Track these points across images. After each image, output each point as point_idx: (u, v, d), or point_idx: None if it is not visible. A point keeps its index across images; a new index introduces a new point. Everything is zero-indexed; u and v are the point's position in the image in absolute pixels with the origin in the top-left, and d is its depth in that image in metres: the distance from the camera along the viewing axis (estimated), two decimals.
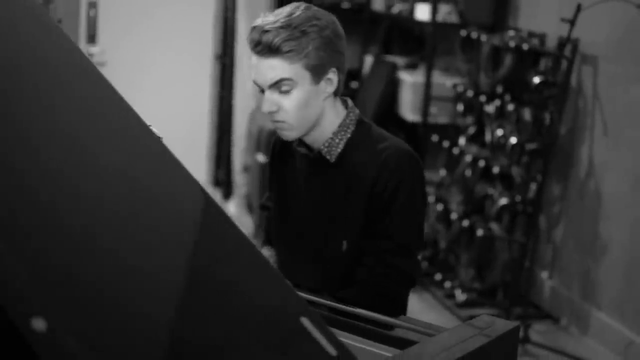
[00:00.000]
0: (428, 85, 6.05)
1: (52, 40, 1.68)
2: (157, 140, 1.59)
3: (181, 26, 6.89)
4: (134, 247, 1.32)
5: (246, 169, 6.81)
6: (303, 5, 2.42)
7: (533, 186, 5.28)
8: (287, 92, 2.38)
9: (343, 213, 2.48)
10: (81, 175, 1.38)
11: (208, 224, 1.45)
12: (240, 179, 7.01)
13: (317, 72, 2.40)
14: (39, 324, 0.97)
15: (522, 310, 5.28)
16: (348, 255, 2.47)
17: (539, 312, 5.50)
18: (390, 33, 7.08)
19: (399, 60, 6.60)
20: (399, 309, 2.45)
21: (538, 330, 5.20)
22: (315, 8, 2.45)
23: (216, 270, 1.38)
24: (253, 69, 2.41)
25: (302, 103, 2.40)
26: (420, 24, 6.36)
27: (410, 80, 6.30)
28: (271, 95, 2.39)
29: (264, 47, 2.35)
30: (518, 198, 5.35)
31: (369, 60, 6.87)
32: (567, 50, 5.04)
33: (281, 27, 2.34)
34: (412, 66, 6.54)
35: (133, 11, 6.62)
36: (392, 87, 6.46)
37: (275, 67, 2.36)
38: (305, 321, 1.29)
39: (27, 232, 1.13)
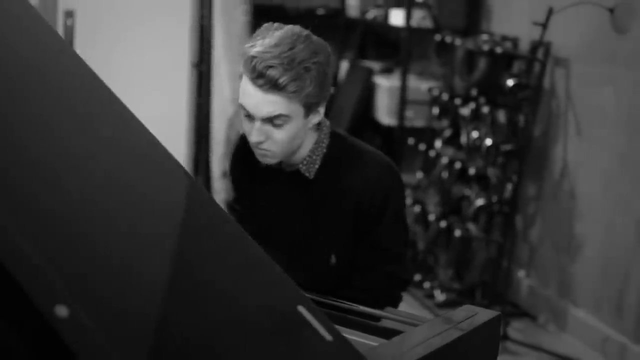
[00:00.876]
0: (404, 89, 6.13)
1: (43, 39, 1.76)
2: (150, 135, 1.66)
3: (157, 35, 6.93)
4: (132, 242, 1.40)
5: (225, 174, 6.87)
6: (303, 34, 2.38)
7: (509, 186, 5.35)
8: (279, 126, 2.38)
9: (328, 227, 2.55)
10: (79, 171, 1.45)
11: (204, 217, 1.54)
12: (219, 185, 7.07)
13: (310, 108, 2.40)
14: (61, 311, 1.05)
15: (501, 309, 5.32)
16: (336, 269, 2.56)
17: (517, 310, 5.58)
18: (366, 38, 7.16)
19: (375, 65, 6.68)
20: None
21: (516, 328, 5.27)
22: (314, 37, 2.41)
23: (212, 261, 1.46)
24: (246, 96, 2.38)
25: (291, 136, 2.41)
26: (395, 29, 6.44)
27: (386, 85, 6.38)
28: (262, 126, 2.38)
29: (267, 82, 2.31)
30: (494, 198, 5.42)
31: (344, 65, 6.95)
32: (540, 53, 5.12)
33: (287, 64, 2.30)
34: (387, 71, 6.62)
35: (110, 20, 6.66)
36: (368, 92, 6.54)
37: (275, 103, 2.34)
38: (302, 309, 1.37)
39: (46, 232, 1.21)
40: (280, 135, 2.39)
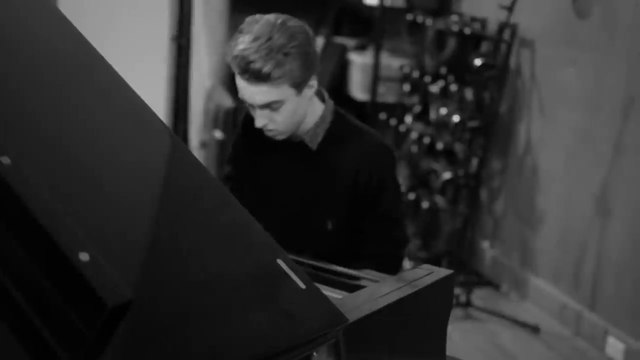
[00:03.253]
0: (376, 66, 6.31)
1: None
2: (134, 95, 1.89)
3: (138, 8, 7.05)
4: (130, 199, 1.63)
5: (203, 145, 7.05)
6: (278, 20, 2.56)
7: (475, 161, 5.56)
8: (276, 109, 2.60)
9: (326, 196, 2.77)
10: (80, 132, 1.69)
11: (192, 176, 1.77)
12: (197, 155, 7.25)
13: (300, 86, 2.60)
14: (84, 256, 1.28)
15: (465, 278, 5.55)
16: (333, 234, 2.79)
17: (481, 279, 5.80)
18: (341, 16, 7.31)
19: (349, 42, 6.82)
20: (400, 268, 2.88)
21: (480, 296, 5.49)
22: (290, 22, 2.58)
23: (198, 218, 1.69)
24: (241, 90, 2.59)
25: (290, 114, 2.63)
26: (369, 7, 6.59)
27: (359, 61, 6.56)
28: (262, 112, 2.61)
29: (252, 76, 2.52)
30: (461, 172, 5.63)
31: (320, 42, 7.10)
32: (507, 35, 5.32)
33: (266, 55, 2.49)
34: (361, 48, 6.77)
35: None
36: (342, 68, 6.70)
37: (264, 92, 2.55)
38: (280, 262, 1.61)
39: (66, 194, 1.45)
40: (279, 116, 2.63)
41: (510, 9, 5.03)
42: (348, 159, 2.74)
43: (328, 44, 6.94)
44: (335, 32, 7.18)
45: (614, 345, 4.73)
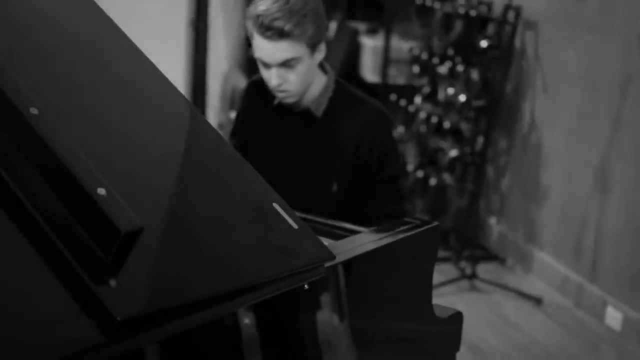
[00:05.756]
0: (387, 49, 6.51)
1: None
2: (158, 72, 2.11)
3: None
4: (149, 146, 1.85)
5: (220, 126, 7.26)
6: None
7: (480, 139, 5.74)
8: (292, 67, 2.82)
9: (331, 160, 2.98)
10: (108, 95, 1.91)
11: (207, 138, 1.99)
12: None
13: (313, 47, 2.83)
14: (102, 191, 1.50)
15: (472, 252, 5.75)
16: (338, 195, 3.00)
17: (487, 253, 5.98)
18: (353, 1, 7.48)
19: (361, 25, 6.98)
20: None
21: (486, 270, 5.67)
22: None
23: (210, 166, 1.91)
24: (258, 50, 2.81)
25: (304, 74, 2.85)
26: None
27: (371, 44, 6.73)
28: (278, 71, 2.82)
29: (275, 33, 2.73)
30: (467, 150, 5.80)
31: (333, 25, 7.27)
32: (511, 16, 5.50)
33: (288, 14, 2.72)
34: (372, 31, 6.93)
35: None
36: (354, 51, 6.87)
37: (285, 49, 2.76)
38: (276, 205, 1.83)
39: (86, 143, 1.67)
40: (294, 75, 2.84)
41: None
42: (350, 127, 2.96)
43: (341, 28, 7.11)
44: (348, 16, 7.34)
45: (613, 315, 4.91)
